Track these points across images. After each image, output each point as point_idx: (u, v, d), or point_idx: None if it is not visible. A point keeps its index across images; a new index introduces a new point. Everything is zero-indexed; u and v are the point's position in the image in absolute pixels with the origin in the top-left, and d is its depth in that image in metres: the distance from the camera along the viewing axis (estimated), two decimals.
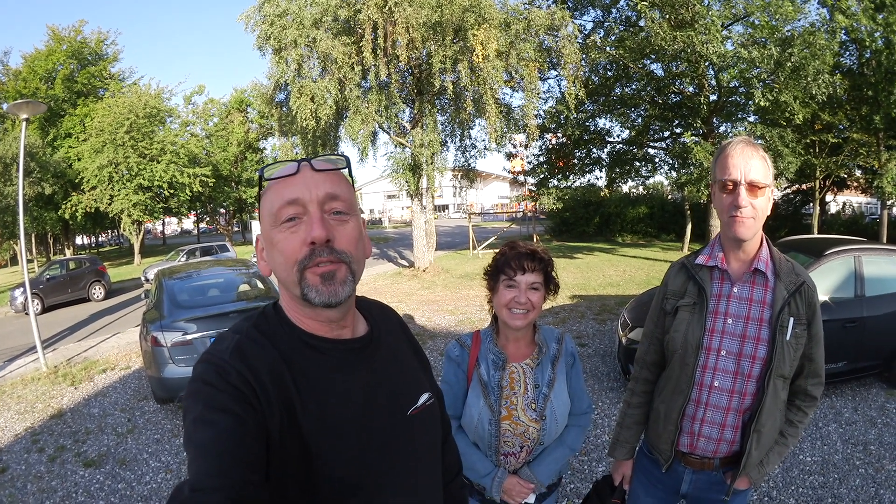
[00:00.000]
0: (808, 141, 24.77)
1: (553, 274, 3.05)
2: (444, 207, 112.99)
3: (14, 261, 55.88)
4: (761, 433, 2.72)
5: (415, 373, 1.93)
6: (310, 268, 1.51)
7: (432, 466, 1.88)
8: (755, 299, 2.69)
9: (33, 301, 13.99)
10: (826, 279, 8.19)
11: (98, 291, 27.19)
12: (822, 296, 7.95)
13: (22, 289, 21.78)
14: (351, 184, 1.69)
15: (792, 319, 2.63)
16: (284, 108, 24.48)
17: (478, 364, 3.08)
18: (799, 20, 20.05)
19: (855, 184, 35.75)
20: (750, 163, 2.52)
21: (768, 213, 2.62)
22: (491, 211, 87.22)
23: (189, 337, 8.77)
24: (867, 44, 21.37)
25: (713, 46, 19.12)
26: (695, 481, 2.96)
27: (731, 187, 2.56)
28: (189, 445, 1.34)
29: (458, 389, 3.13)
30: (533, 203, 33.13)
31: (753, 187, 2.51)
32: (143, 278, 27.20)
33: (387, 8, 19.06)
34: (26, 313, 17.09)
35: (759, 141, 20.89)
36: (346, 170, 1.71)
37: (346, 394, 1.59)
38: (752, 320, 2.69)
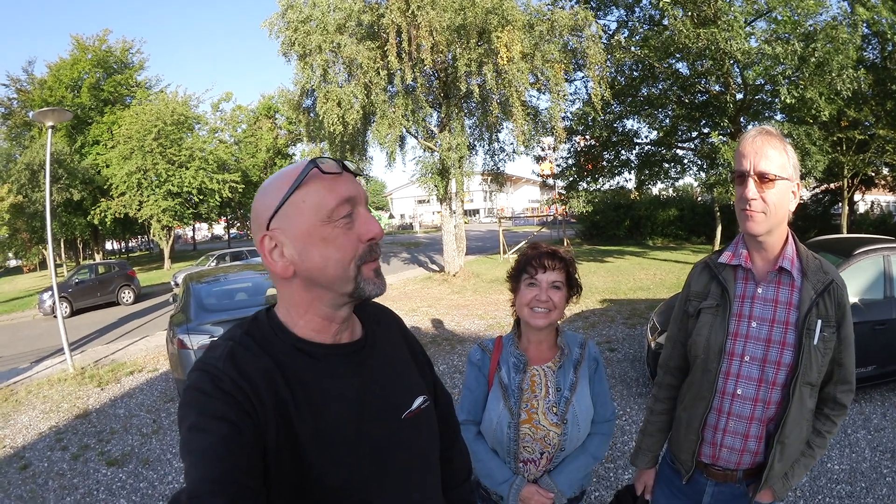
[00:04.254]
0: (834, 139, 24.54)
1: (575, 275, 3.01)
2: (475, 212, 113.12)
3: (43, 265, 56.65)
4: (785, 444, 2.60)
5: (411, 375, 1.91)
6: (367, 263, 1.57)
7: (430, 469, 1.87)
8: (781, 300, 2.57)
9: (62, 304, 14.11)
10: (855, 280, 7.97)
11: (127, 295, 27.46)
12: (853, 297, 7.77)
13: (50, 292, 22.00)
14: None
15: (820, 322, 2.49)
16: (312, 114, 24.70)
17: (499, 367, 3.04)
18: (820, 14, 19.90)
19: (882, 182, 35.40)
20: (760, 153, 2.41)
21: (789, 207, 2.49)
22: (522, 215, 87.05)
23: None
24: (889, 36, 21.11)
25: (737, 43, 18.98)
26: (717, 494, 2.84)
27: (741, 180, 2.47)
28: (185, 454, 1.34)
29: (478, 394, 3.10)
30: (563, 206, 33.00)
31: (763, 179, 2.40)
32: (172, 283, 27.51)
33: (410, 12, 19.12)
34: (54, 316, 17.22)
35: (786, 140, 20.71)
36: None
37: (341, 399, 1.59)
38: (777, 323, 2.56)
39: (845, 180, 28.49)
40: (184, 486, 1.28)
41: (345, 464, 1.53)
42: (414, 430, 1.77)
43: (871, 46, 23.72)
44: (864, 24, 19.76)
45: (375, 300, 1.75)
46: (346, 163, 1.59)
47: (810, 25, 19.39)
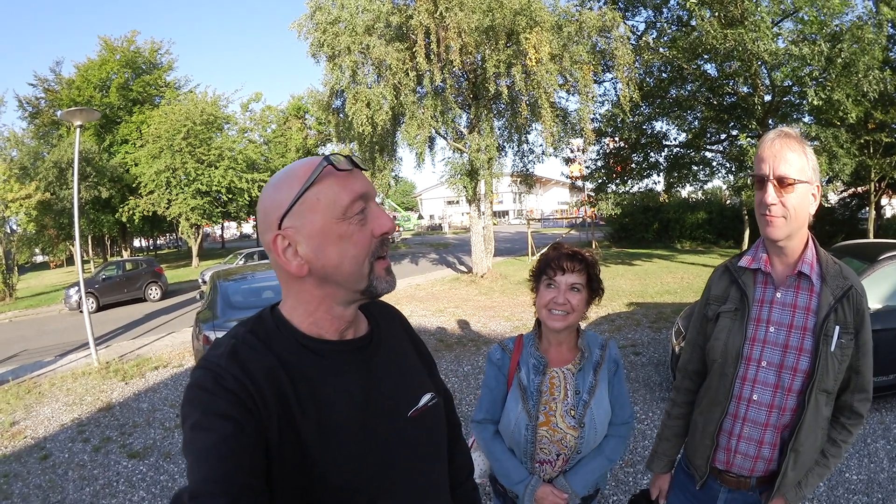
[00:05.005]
0: (861, 141, 24.22)
1: (597, 277, 2.98)
2: (504, 213, 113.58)
3: (70, 261, 57.40)
4: (799, 452, 2.57)
5: (417, 373, 1.90)
6: (379, 259, 1.57)
7: (437, 467, 1.85)
8: (799, 305, 2.54)
9: (88, 299, 14.21)
10: (879, 286, 7.81)
11: (154, 292, 27.74)
12: (876, 304, 7.66)
13: (77, 287, 22.10)
14: None
15: (838, 328, 2.45)
16: (341, 115, 24.76)
17: (518, 368, 3.03)
18: (846, 14, 19.73)
19: None
20: (779, 156, 2.37)
21: (809, 211, 2.45)
22: (551, 217, 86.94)
23: None
24: None
25: (764, 44, 18.84)
26: (730, 500, 2.83)
27: (760, 184, 2.44)
28: (188, 452, 1.34)
29: (497, 393, 3.10)
30: (592, 209, 32.94)
31: (783, 183, 2.36)
32: (200, 280, 27.79)
33: (438, 13, 19.18)
34: (80, 311, 17.37)
35: (814, 142, 20.65)
36: None
37: (346, 396, 1.58)
38: (795, 329, 2.53)
39: (872, 184, 28.14)
40: (186, 485, 1.27)
41: (349, 462, 1.52)
42: (420, 428, 1.76)
43: None
44: (890, 25, 19.56)
45: (380, 298, 1.74)
46: (354, 158, 1.58)
47: (836, 26, 19.23)
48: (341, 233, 1.51)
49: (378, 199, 1.67)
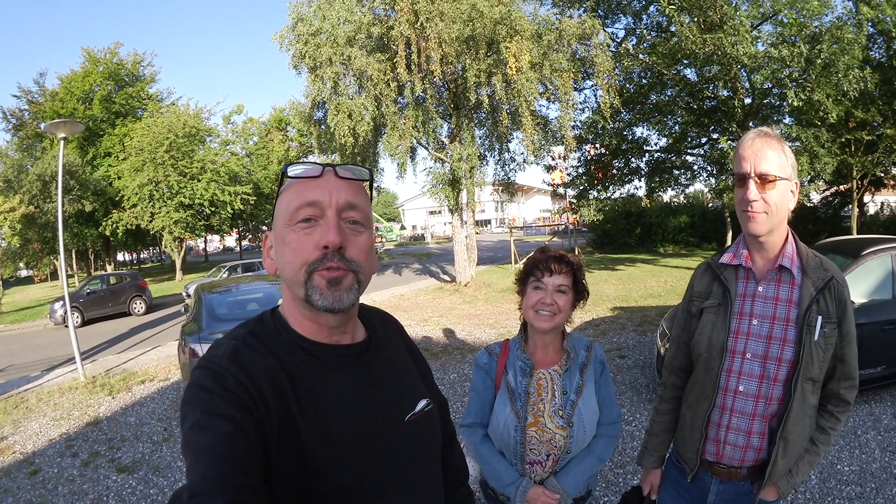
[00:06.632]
0: (843, 140, 24.30)
1: (583, 280, 3.03)
2: (487, 222, 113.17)
3: (55, 275, 57.11)
4: (788, 440, 2.60)
5: (413, 379, 1.92)
6: (319, 271, 1.52)
7: (432, 473, 1.87)
8: (781, 298, 2.58)
9: (73, 314, 14.15)
10: (863, 280, 7.94)
11: (139, 306, 27.65)
12: (861, 298, 7.78)
13: (62, 302, 22.10)
14: (369, 198, 1.72)
15: (820, 318, 2.50)
16: (323, 126, 24.64)
17: (506, 371, 3.06)
18: (825, 15, 19.63)
19: (892, 182, 34.81)
20: (760, 154, 2.43)
21: (789, 207, 2.51)
22: (533, 224, 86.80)
23: None
24: (894, 35, 20.90)
25: (743, 47, 18.90)
26: (722, 492, 2.85)
27: (741, 182, 2.50)
28: (187, 451, 1.34)
29: (485, 397, 3.12)
30: (574, 215, 32.94)
31: (764, 180, 2.41)
32: (184, 294, 27.75)
33: (419, 24, 19.21)
34: (66, 325, 17.30)
35: (795, 143, 20.80)
36: (367, 185, 1.73)
37: (344, 400, 1.59)
38: (778, 320, 2.58)
39: (854, 182, 28.30)
40: (185, 484, 1.28)
41: (351, 464, 1.53)
42: (417, 433, 1.77)
43: (876, 45, 23.45)
44: (869, 24, 19.55)
45: (378, 306, 1.75)
46: (336, 167, 1.61)
47: (815, 27, 19.23)
48: (285, 237, 1.55)
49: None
